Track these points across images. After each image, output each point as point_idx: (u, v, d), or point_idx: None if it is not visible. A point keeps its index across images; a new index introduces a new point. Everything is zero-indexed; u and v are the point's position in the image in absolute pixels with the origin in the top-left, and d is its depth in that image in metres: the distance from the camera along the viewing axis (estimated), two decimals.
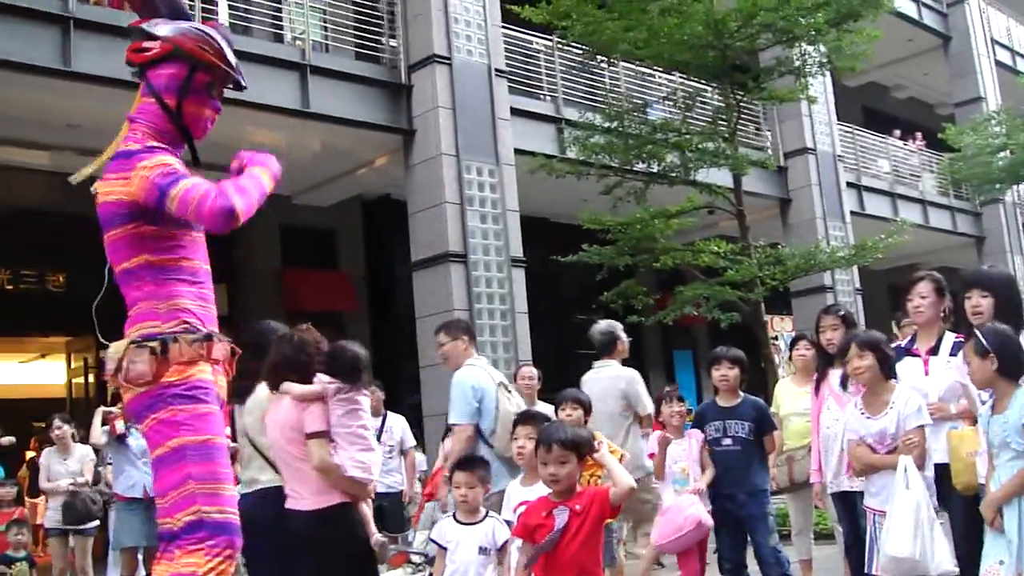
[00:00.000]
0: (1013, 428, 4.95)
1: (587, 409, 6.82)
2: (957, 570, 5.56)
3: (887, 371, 5.76)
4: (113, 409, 10.11)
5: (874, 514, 5.68)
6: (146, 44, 4.15)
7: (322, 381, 5.31)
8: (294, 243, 17.84)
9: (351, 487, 5.26)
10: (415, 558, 7.16)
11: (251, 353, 5.04)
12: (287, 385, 5.34)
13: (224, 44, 4.24)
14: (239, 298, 17.19)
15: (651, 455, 7.47)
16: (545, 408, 8.83)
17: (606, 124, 14.99)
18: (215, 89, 4.27)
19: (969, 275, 6.02)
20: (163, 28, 4.15)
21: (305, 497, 5.27)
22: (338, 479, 5.19)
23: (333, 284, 18.33)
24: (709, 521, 6.92)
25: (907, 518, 5.29)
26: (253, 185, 4.00)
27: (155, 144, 4.04)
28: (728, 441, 7.17)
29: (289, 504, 5.34)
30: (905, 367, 6.16)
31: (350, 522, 5.33)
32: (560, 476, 4.78)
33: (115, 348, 3.97)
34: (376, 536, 5.47)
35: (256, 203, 3.95)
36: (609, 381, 8.44)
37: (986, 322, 5.43)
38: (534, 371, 10.02)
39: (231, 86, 4.35)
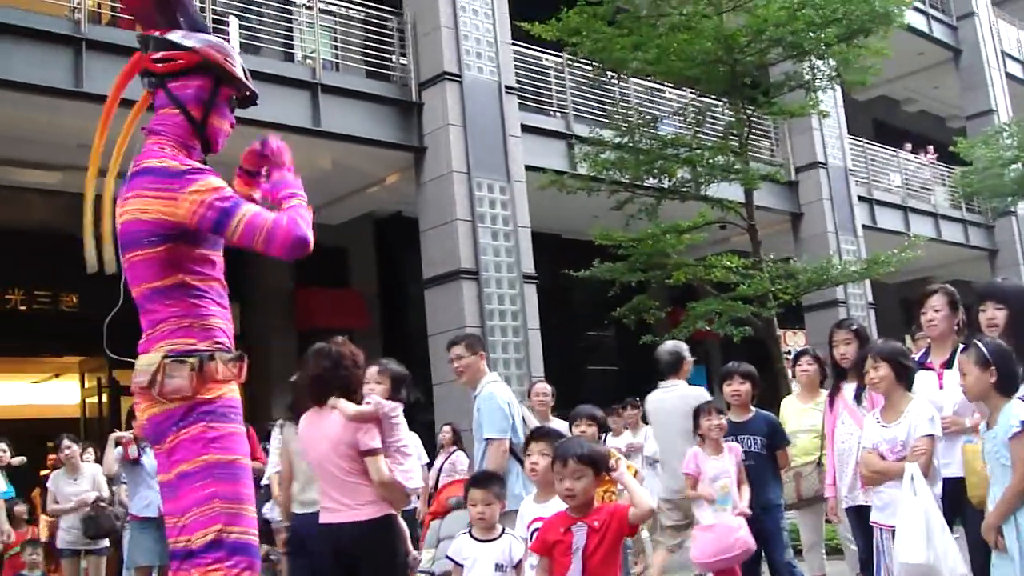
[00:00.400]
0: (1001, 442, 4.94)
1: (601, 426, 6.81)
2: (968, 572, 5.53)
3: (905, 382, 5.73)
4: (125, 434, 10.11)
5: (880, 529, 5.65)
6: (169, 55, 4.13)
7: (375, 400, 5.47)
8: (306, 261, 17.72)
9: (400, 498, 5.44)
10: None
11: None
12: (341, 403, 5.43)
13: (238, 58, 4.27)
14: (252, 317, 17.22)
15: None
16: (559, 424, 8.81)
17: (617, 140, 15.00)
18: (233, 102, 4.29)
19: (983, 287, 6.00)
20: (190, 40, 4.14)
21: (355, 508, 5.37)
22: (392, 491, 5.34)
23: (345, 302, 18.34)
24: (753, 545, 6.87)
25: (918, 525, 5.24)
26: (307, 213, 4.06)
27: (198, 164, 4.03)
28: (741, 456, 7.16)
29: (332, 517, 5.43)
30: (919, 381, 6.13)
31: (397, 533, 5.49)
32: (576, 491, 4.75)
33: (147, 361, 3.92)
34: (412, 551, 5.55)
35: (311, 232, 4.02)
36: (678, 400, 8.39)
37: (1001, 335, 5.41)
38: (548, 387, 10.01)
39: (245, 101, 4.36)
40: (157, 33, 4.20)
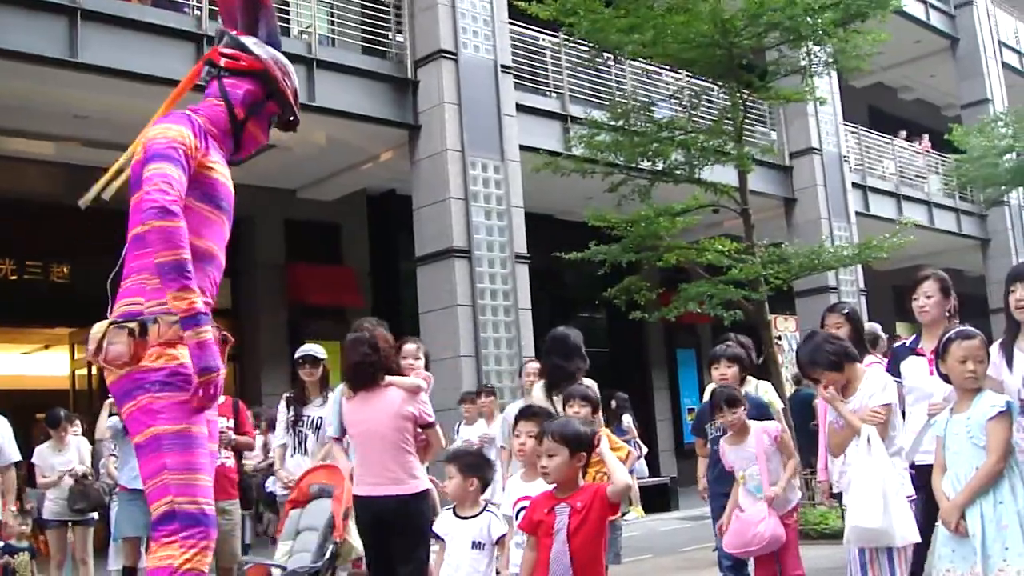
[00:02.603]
0: (977, 424, 4.97)
1: (595, 406, 6.78)
2: (919, 540, 5.54)
3: (862, 346, 5.79)
4: None
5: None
6: (236, 54, 4.27)
7: (424, 374, 6.27)
8: (299, 237, 17.85)
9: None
10: (275, 571, 6.83)
11: None
12: (398, 380, 6.09)
13: (297, 83, 4.43)
14: (243, 292, 17.22)
15: None
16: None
17: (612, 122, 14.98)
18: (273, 119, 4.41)
19: (1015, 269, 5.98)
20: (260, 49, 4.29)
21: (405, 481, 5.92)
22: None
23: (337, 278, 18.33)
24: (781, 534, 6.67)
25: (873, 488, 5.25)
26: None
27: (201, 123, 4.08)
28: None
29: (375, 490, 5.95)
30: (909, 366, 6.15)
31: (431, 505, 6.14)
32: (549, 468, 4.77)
33: (97, 328, 3.91)
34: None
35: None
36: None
37: None
38: (539, 366, 9.99)
39: (287, 125, 4.48)
40: (234, 32, 4.35)
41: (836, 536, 9.09)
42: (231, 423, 8.92)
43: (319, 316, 17.12)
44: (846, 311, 7.41)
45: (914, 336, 6.55)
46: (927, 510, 5.68)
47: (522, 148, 15.27)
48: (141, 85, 11.70)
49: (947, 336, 5.27)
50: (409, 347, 8.13)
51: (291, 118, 4.43)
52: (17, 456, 9.30)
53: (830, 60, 15.02)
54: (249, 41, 4.29)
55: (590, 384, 6.85)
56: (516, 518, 5.66)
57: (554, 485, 4.85)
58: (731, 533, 6.79)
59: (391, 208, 18.09)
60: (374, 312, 18.33)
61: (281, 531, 7.10)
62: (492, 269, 14.40)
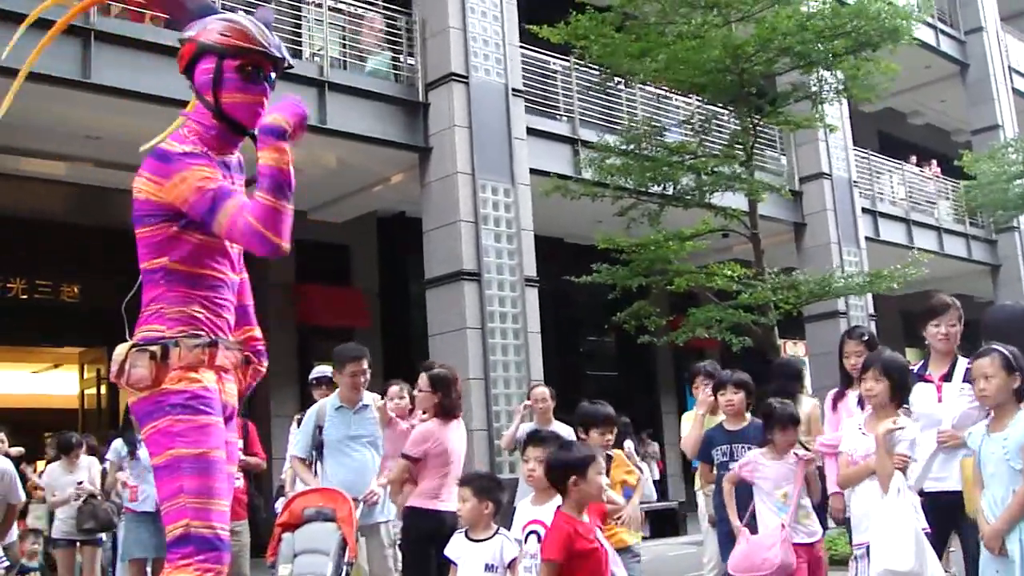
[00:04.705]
0: (1014, 447, 4.96)
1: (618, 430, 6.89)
2: None
3: (899, 397, 5.75)
4: None
5: (864, 548, 5.64)
6: (180, 52, 4.10)
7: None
8: (308, 258, 17.87)
9: None
10: None
11: None
12: None
13: (250, 24, 4.09)
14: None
15: None
16: (560, 428, 8.82)
17: (622, 146, 15.01)
18: (253, 72, 4.09)
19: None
20: (190, 30, 4.09)
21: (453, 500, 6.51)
22: None
23: (346, 300, 18.35)
24: (792, 561, 6.56)
25: (905, 531, 5.26)
26: (282, 211, 3.84)
27: (193, 149, 3.97)
28: (735, 465, 7.16)
29: (447, 506, 6.86)
30: (918, 393, 6.16)
31: None
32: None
33: (119, 351, 3.92)
34: None
35: (288, 211, 3.82)
36: None
37: None
38: (547, 391, 9.99)
39: (274, 65, 4.16)
40: (182, 31, 4.16)
41: (843, 563, 9.03)
42: (240, 443, 8.93)
43: (328, 337, 17.12)
44: (865, 338, 7.42)
45: (922, 362, 6.54)
46: (939, 537, 5.69)
47: (532, 171, 15.29)
48: (154, 106, 11.74)
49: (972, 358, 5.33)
50: (393, 388, 8.42)
51: (269, 56, 4.11)
52: (22, 497, 9.30)
53: (841, 88, 15.05)
54: (184, 30, 4.10)
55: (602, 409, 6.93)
56: (525, 542, 5.67)
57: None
58: (740, 555, 6.71)
59: (401, 230, 18.12)
60: (383, 334, 18.39)
61: (275, 554, 7.07)
62: (502, 292, 14.41)
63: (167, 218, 3.90)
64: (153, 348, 3.86)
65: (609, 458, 6.93)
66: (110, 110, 12.34)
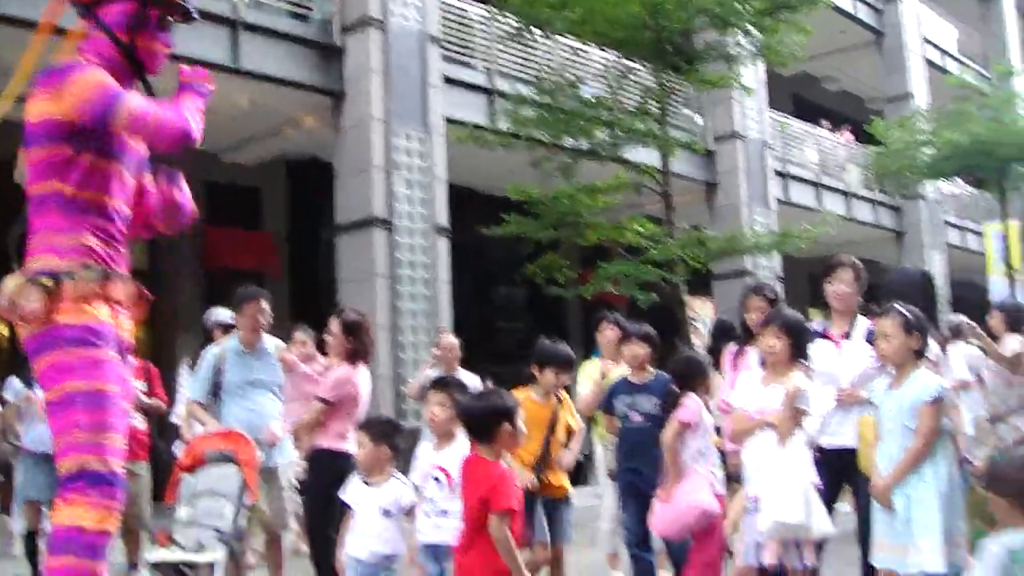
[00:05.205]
0: (908, 406, 5.07)
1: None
2: (834, 531, 5.65)
3: (797, 355, 5.82)
4: None
5: (755, 501, 5.71)
6: None
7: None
8: (217, 200, 17.61)
9: None
10: (179, 537, 6.65)
11: None
12: None
13: None
14: (159, 255, 16.96)
15: None
16: (466, 376, 8.85)
17: (538, 97, 14.97)
18: (165, 23, 4.16)
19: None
20: None
21: None
22: None
23: (256, 244, 18.13)
24: (715, 507, 6.45)
25: (794, 482, 5.37)
26: (197, 113, 4.00)
27: (84, 61, 3.92)
28: (638, 417, 7.20)
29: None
30: (817, 350, 6.24)
31: None
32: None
33: (9, 283, 3.83)
34: None
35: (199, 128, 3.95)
36: None
37: None
38: (454, 340, 10.05)
39: (184, 18, 4.24)
40: None
41: None
42: (144, 387, 8.82)
43: (236, 281, 16.88)
44: (770, 296, 7.48)
45: (822, 322, 6.64)
46: (830, 491, 5.79)
47: (448, 121, 15.19)
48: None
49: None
50: (298, 334, 8.40)
51: (182, 11, 4.21)
52: None
53: (756, 51, 15.15)
54: None
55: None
56: (426, 487, 5.67)
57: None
58: (660, 509, 6.56)
59: (313, 175, 17.90)
60: (292, 279, 18.23)
61: (174, 496, 6.99)
62: (412, 241, 14.33)
63: (62, 139, 3.81)
64: (45, 280, 3.76)
65: (559, 400, 6.98)
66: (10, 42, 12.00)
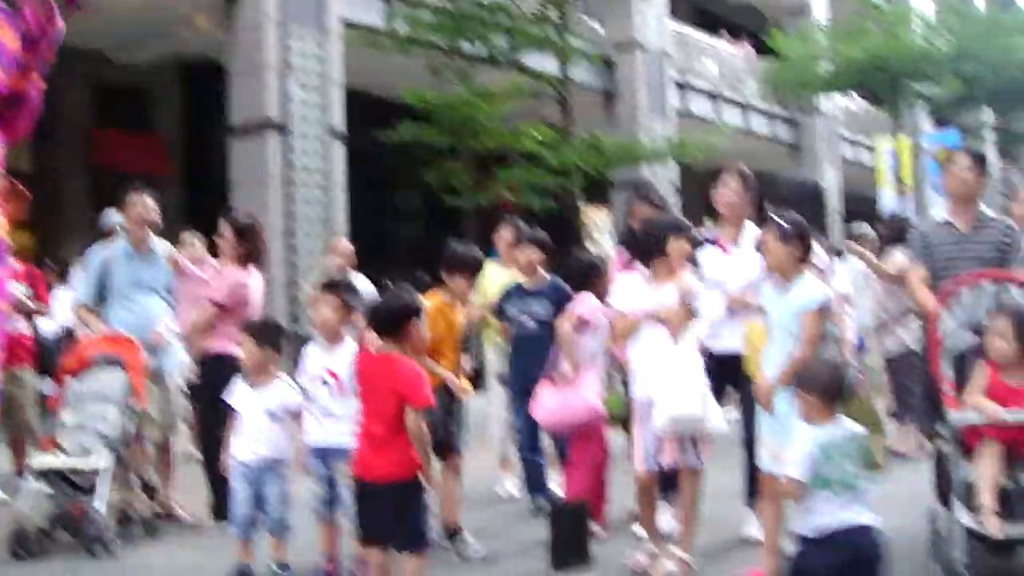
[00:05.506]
0: (791, 312, 5.15)
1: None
2: (726, 427, 5.75)
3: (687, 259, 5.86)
4: None
5: (646, 401, 5.75)
6: None
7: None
8: (106, 101, 17.17)
9: None
10: (64, 443, 6.57)
11: None
12: None
13: None
14: (45, 156, 16.50)
15: None
16: (359, 280, 8.79)
17: (436, 2, 14.76)
18: None
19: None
20: None
21: None
22: None
23: (146, 146, 17.74)
24: (601, 409, 6.54)
25: (690, 377, 5.43)
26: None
27: None
28: (531, 323, 7.21)
29: None
30: (706, 256, 6.27)
31: None
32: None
33: None
34: None
35: None
36: None
37: None
38: (348, 245, 10.01)
39: None
40: None
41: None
42: (28, 291, 8.57)
43: (125, 183, 16.54)
44: (654, 199, 7.42)
45: (713, 230, 6.68)
46: (716, 393, 5.86)
47: (346, 24, 14.91)
48: None
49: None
50: (185, 235, 8.19)
51: None
52: None
53: None
54: None
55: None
56: (315, 390, 5.62)
57: None
58: (547, 407, 6.58)
59: (206, 77, 17.50)
60: (185, 182, 17.90)
61: (61, 402, 6.84)
62: (307, 145, 14.13)
63: None
64: None
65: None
66: None
